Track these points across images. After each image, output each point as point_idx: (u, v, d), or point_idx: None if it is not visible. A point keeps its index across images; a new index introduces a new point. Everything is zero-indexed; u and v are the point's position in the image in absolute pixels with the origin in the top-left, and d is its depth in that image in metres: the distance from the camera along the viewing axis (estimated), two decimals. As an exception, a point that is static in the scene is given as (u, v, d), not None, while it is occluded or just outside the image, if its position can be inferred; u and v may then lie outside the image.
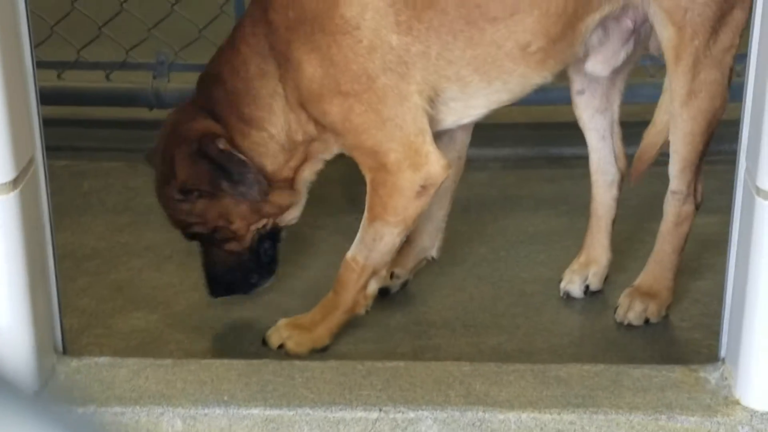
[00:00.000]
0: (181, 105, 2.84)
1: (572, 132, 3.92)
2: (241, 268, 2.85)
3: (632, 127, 3.08)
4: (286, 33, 2.57)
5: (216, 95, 2.71)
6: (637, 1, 2.70)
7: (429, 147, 2.59)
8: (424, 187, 2.60)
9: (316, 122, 2.65)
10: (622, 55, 2.84)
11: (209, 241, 2.84)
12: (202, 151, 2.65)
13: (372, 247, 2.70)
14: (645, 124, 3.02)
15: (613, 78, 2.94)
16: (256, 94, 2.66)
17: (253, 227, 2.81)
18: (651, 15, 2.71)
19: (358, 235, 2.72)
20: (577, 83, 2.96)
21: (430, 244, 3.06)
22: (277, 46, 2.60)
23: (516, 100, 2.74)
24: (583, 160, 3.77)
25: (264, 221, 2.82)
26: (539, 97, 3.93)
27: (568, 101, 3.93)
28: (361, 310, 2.79)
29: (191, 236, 2.87)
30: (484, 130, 4.01)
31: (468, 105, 2.66)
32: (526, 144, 3.93)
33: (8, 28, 2.26)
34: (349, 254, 2.76)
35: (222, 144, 2.65)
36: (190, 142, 2.67)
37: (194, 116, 2.71)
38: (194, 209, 2.77)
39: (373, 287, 2.77)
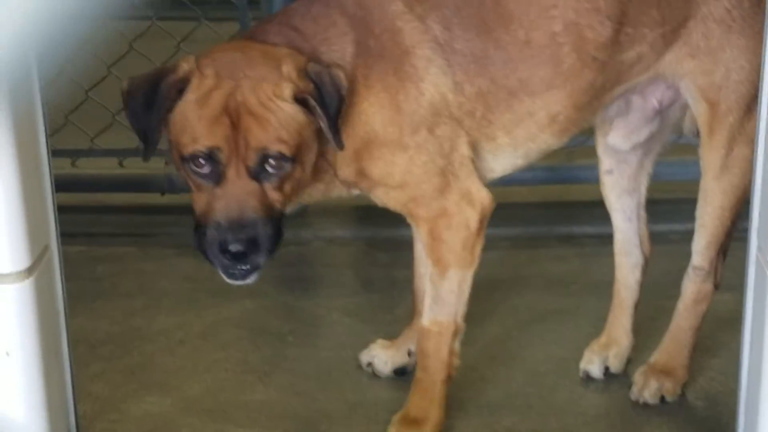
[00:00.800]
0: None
1: (582, 211, 3.95)
2: (272, 225, 2.43)
3: (656, 205, 3.08)
4: (366, 60, 2.57)
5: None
6: (668, 75, 2.74)
7: (477, 183, 2.65)
8: (482, 221, 2.66)
9: (363, 175, 2.61)
10: (645, 132, 2.88)
11: (259, 170, 2.40)
12: (317, 74, 2.45)
13: (452, 300, 2.70)
14: (658, 202, 3.04)
15: (641, 159, 2.97)
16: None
17: (303, 186, 2.55)
18: (684, 90, 2.76)
19: (430, 296, 2.71)
20: (606, 163, 2.99)
21: None
22: (357, 65, 2.56)
23: (529, 165, 2.79)
24: (593, 239, 3.80)
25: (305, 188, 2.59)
26: (549, 176, 3.99)
27: (577, 180, 3.98)
28: (455, 373, 2.77)
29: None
30: (495, 210, 4.03)
31: (490, 166, 2.72)
32: (536, 223, 3.94)
33: (24, 118, 2.29)
34: (426, 321, 2.72)
35: (339, 75, 2.47)
36: (300, 61, 2.45)
37: (292, 33, 2.55)
38: (293, 118, 2.40)
39: (458, 345, 2.75)
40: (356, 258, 3.78)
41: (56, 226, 2.45)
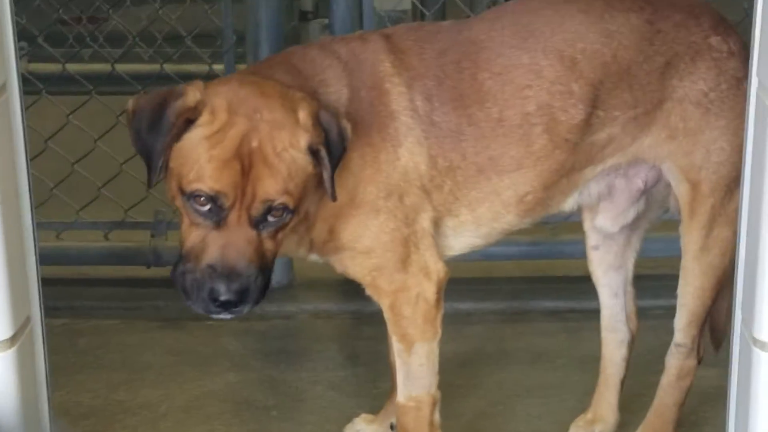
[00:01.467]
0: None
1: (567, 286, 3.96)
2: (263, 276, 2.39)
3: (640, 281, 3.09)
4: (357, 111, 2.58)
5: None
6: (649, 158, 2.76)
7: (435, 256, 2.65)
8: (438, 293, 2.65)
9: (334, 235, 2.60)
10: (631, 213, 2.89)
11: (261, 220, 2.36)
12: (328, 121, 2.43)
13: (423, 374, 2.69)
14: (641, 278, 3.04)
15: (628, 235, 2.99)
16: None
17: (297, 231, 2.56)
18: (665, 171, 2.77)
19: (401, 373, 2.70)
20: (592, 239, 3.00)
21: None
22: (348, 112, 2.57)
23: (488, 246, 2.79)
24: (578, 313, 3.80)
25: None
26: (533, 250, 4.00)
27: (562, 255, 3.99)
28: None
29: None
30: (480, 284, 4.04)
31: (449, 243, 2.72)
32: (521, 298, 3.94)
33: (10, 190, 2.30)
34: (402, 398, 2.71)
35: (345, 124, 2.46)
36: (314, 107, 2.42)
37: (306, 75, 2.56)
38: (303, 169, 2.37)
39: (437, 416, 2.73)
40: (341, 331, 3.78)
41: (40, 297, 2.44)
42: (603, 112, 2.67)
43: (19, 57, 2.32)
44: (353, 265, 2.63)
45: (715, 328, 2.96)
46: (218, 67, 4.49)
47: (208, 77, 4.45)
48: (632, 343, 3.06)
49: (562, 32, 2.66)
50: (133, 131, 2.39)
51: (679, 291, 2.84)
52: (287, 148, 2.34)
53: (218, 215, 2.34)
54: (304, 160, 2.37)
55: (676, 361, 2.91)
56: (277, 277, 4.06)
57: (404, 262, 2.60)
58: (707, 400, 3.23)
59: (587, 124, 2.66)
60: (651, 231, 3.05)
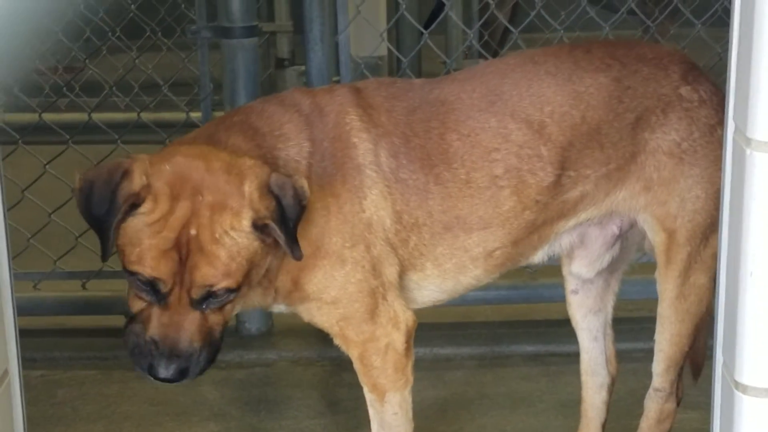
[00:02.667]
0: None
1: (547, 329, 3.96)
2: (207, 351, 2.40)
3: (619, 324, 3.09)
4: (321, 160, 2.57)
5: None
6: (623, 210, 2.76)
7: (402, 305, 2.64)
8: (408, 343, 2.64)
9: (298, 286, 2.59)
10: (607, 259, 2.89)
11: (201, 301, 2.36)
12: (280, 189, 2.39)
13: (397, 422, 2.67)
14: (620, 320, 3.04)
15: (607, 278, 2.99)
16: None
17: (261, 284, 2.55)
18: (641, 222, 2.77)
19: (374, 423, 2.68)
20: (571, 283, 3.00)
21: None
22: (311, 164, 2.57)
23: (450, 300, 2.78)
24: (559, 357, 3.79)
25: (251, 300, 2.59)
26: (513, 294, 4.00)
27: (541, 299, 3.99)
28: None
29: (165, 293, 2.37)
30: (459, 329, 4.03)
31: (413, 296, 2.71)
32: (501, 342, 3.94)
33: (-13, 240, 2.28)
34: None
35: (303, 186, 2.42)
36: (266, 174, 2.39)
37: (254, 140, 2.52)
38: (246, 248, 2.35)
39: None
40: (321, 378, 3.76)
41: (17, 349, 2.41)
42: (574, 172, 2.68)
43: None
44: (320, 315, 2.62)
45: (694, 358, 2.96)
46: (195, 115, 4.50)
47: (186, 125, 4.49)
48: (612, 386, 3.06)
49: (529, 96, 2.67)
50: (81, 207, 2.41)
51: (657, 337, 2.84)
52: (227, 231, 2.32)
53: (159, 296, 2.35)
54: (248, 239, 2.34)
55: (655, 405, 2.91)
56: (257, 324, 4.05)
57: (372, 312, 2.60)
58: (689, 443, 3.23)
59: (558, 185, 2.67)
60: (629, 274, 3.05)
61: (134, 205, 2.33)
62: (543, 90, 2.66)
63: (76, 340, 4.03)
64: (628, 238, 2.89)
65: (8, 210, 2.42)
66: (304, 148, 2.55)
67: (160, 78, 5.07)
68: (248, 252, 2.35)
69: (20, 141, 4.24)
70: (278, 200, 2.37)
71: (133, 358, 2.39)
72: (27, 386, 2.49)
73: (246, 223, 2.33)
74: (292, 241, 2.37)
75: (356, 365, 2.65)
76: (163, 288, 2.33)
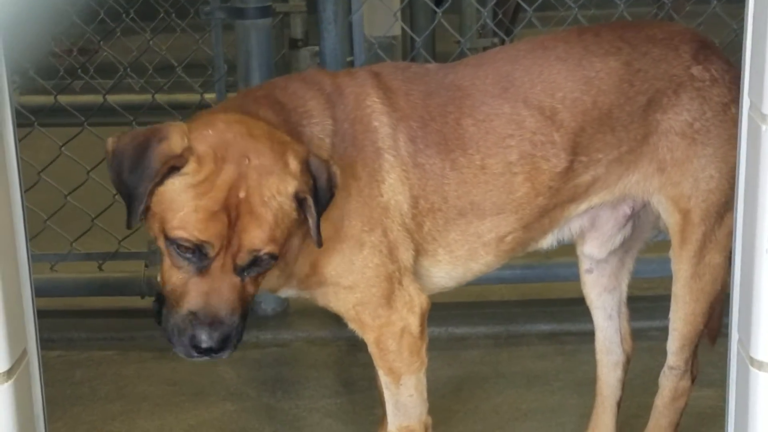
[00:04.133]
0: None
1: (563, 308, 3.96)
2: (243, 318, 2.37)
3: (635, 302, 3.09)
4: (342, 141, 2.57)
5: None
6: (636, 193, 2.76)
7: (417, 288, 2.64)
8: (422, 325, 2.64)
9: (316, 270, 2.59)
10: (618, 239, 2.89)
11: (245, 267, 2.34)
12: (316, 169, 2.39)
13: (413, 404, 2.68)
14: (636, 299, 3.04)
15: (622, 257, 2.99)
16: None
17: (278, 266, 2.50)
18: (655, 203, 2.77)
19: (389, 404, 2.69)
20: (585, 262, 3.00)
21: None
22: (333, 144, 2.57)
23: (457, 287, 2.79)
24: (574, 336, 3.80)
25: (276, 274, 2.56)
26: (528, 274, 4.01)
27: (556, 278, 4.00)
28: None
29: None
30: (475, 308, 4.03)
31: (421, 283, 2.70)
32: (517, 321, 3.94)
33: (4, 223, 2.30)
34: (392, 428, 2.70)
35: (335, 170, 2.43)
36: (303, 153, 2.39)
37: (296, 114, 2.52)
38: (289, 216, 2.34)
39: None
40: (337, 358, 3.77)
41: (36, 329, 2.43)
42: (586, 157, 2.68)
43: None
44: (336, 300, 2.62)
45: (711, 324, 2.95)
46: (209, 96, 4.51)
47: (200, 107, 4.49)
48: (627, 365, 3.06)
49: (541, 82, 2.67)
50: (113, 172, 2.34)
51: (671, 316, 2.84)
52: (275, 195, 2.31)
53: (202, 262, 2.30)
54: (290, 207, 2.33)
55: (669, 383, 2.91)
56: (272, 304, 4.06)
57: (388, 297, 2.60)
58: (704, 421, 3.23)
59: (570, 170, 2.67)
60: (645, 252, 3.05)
61: (174, 168, 2.27)
62: (554, 76, 2.67)
63: (93, 320, 4.05)
64: (640, 217, 2.89)
65: (25, 192, 2.43)
66: (327, 126, 2.55)
67: (174, 59, 5.07)
68: (290, 220, 2.34)
69: (36, 123, 4.25)
70: (314, 180, 2.36)
71: (172, 338, 2.35)
72: (45, 367, 2.50)
73: (291, 190, 2.32)
74: (319, 226, 2.37)
75: (371, 349, 2.66)
76: (211, 252, 2.27)
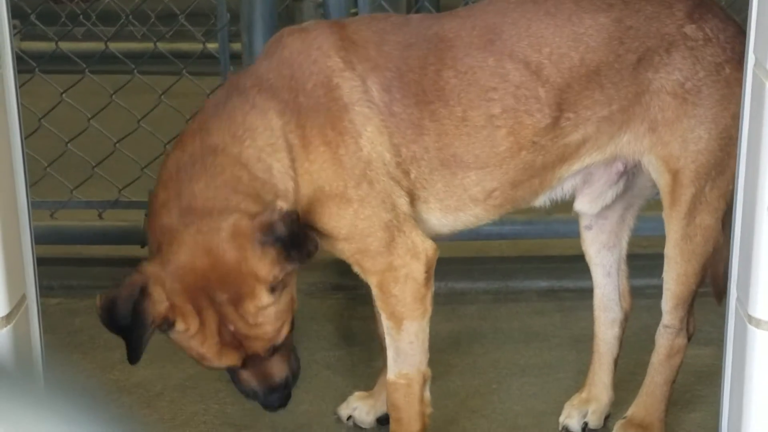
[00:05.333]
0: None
1: (562, 265, 3.96)
2: (292, 359, 2.66)
3: (633, 260, 3.09)
4: (299, 118, 2.57)
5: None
6: (628, 153, 2.75)
7: (421, 235, 2.66)
8: (428, 273, 2.66)
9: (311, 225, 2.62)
10: (610, 195, 2.88)
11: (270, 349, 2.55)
12: (269, 235, 2.42)
13: (413, 351, 2.70)
14: (635, 257, 3.04)
15: (622, 214, 2.98)
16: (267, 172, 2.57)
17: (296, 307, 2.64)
18: (646, 164, 2.76)
19: (390, 350, 2.71)
20: (585, 219, 2.99)
21: None
22: (290, 129, 2.57)
23: (451, 235, 2.80)
24: (573, 293, 3.80)
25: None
26: (528, 230, 4.00)
27: (556, 234, 4.00)
28: (429, 421, 2.77)
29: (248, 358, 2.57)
30: (474, 264, 4.03)
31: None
32: (516, 277, 3.95)
33: (4, 169, 2.29)
34: (391, 375, 2.73)
35: (282, 208, 2.45)
36: (249, 238, 2.41)
37: (219, 220, 2.45)
38: (279, 307, 2.48)
39: (427, 393, 2.76)
40: (336, 311, 3.78)
41: (35, 275, 2.44)
42: (573, 114, 2.67)
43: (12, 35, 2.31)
44: (335, 250, 2.65)
45: (716, 281, 2.95)
46: (212, 46, 4.49)
47: (202, 56, 4.48)
48: (625, 322, 3.06)
49: (528, 36, 2.65)
50: (107, 323, 2.52)
51: (664, 276, 2.84)
52: (257, 313, 2.45)
53: (236, 367, 2.55)
54: (274, 302, 2.46)
55: (665, 341, 2.92)
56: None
57: (388, 245, 2.61)
58: (702, 379, 3.24)
59: (556, 127, 2.66)
60: (645, 210, 3.05)
61: (168, 323, 2.46)
62: (542, 31, 2.65)
63: (93, 269, 4.06)
64: (635, 174, 2.87)
65: (25, 138, 2.43)
66: (275, 127, 2.54)
67: (176, 8, 5.05)
68: (283, 305, 2.49)
69: (37, 69, 4.23)
70: (275, 240, 2.41)
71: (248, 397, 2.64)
72: (44, 314, 2.51)
73: (265, 297, 2.44)
74: (303, 243, 2.44)
75: (375, 292, 2.67)
76: (237, 365, 2.53)
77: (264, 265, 2.41)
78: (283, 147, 2.54)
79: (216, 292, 2.42)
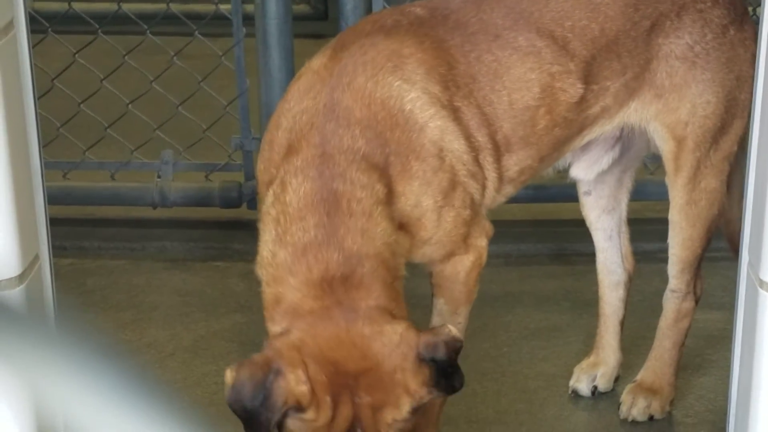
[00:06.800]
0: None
1: (573, 229, 3.95)
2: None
3: (634, 225, 3.09)
4: (385, 160, 2.48)
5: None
6: (634, 121, 2.75)
7: (486, 222, 2.66)
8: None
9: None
10: (606, 160, 2.88)
11: None
12: (430, 354, 2.32)
13: (458, 330, 2.68)
14: (647, 221, 3.04)
15: (620, 177, 2.98)
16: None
17: None
18: (651, 131, 2.75)
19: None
20: (583, 184, 2.99)
21: None
22: (378, 176, 2.47)
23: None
24: (584, 256, 3.80)
25: None
26: (540, 194, 4.00)
27: (568, 198, 3.99)
28: None
29: None
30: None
31: None
32: (527, 241, 3.95)
33: (18, 129, 2.30)
34: None
35: (450, 332, 2.36)
36: (412, 350, 2.31)
37: (374, 316, 2.34)
38: (408, 422, 2.36)
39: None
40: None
41: (48, 235, 2.45)
42: (596, 85, 2.67)
43: (26, -6, 2.31)
44: (423, 256, 2.58)
45: (732, 237, 2.94)
46: (225, 7, 4.46)
47: (215, 17, 4.47)
48: (629, 284, 3.07)
49: (549, 11, 2.64)
50: (234, 404, 2.30)
51: (669, 242, 2.85)
52: (390, 424, 2.31)
53: None
54: (408, 419, 2.32)
55: (672, 305, 2.92)
56: (284, 218, 4.06)
57: (466, 237, 2.61)
58: (712, 343, 3.24)
59: (583, 101, 2.66)
60: (657, 174, 3.04)
61: (298, 408, 2.28)
62: (560, 5, 2.64)
63: (105, 230, 4.07)
64: (630, 138, 2.87)
65: (38, 99, 2.43)
66: (381, 193, 2.44)
67: (189, -31, 5.02)
68: (409, 423, 2.34)
69: (50, 29, 4.23)
70: (432, 361, 2.31)
71: None
72: (57, 274, 2.52)
73: (406, 410, 2.30)
74: (453, 375, 2.34)
75: (441, 281, 2.66)
76: None
77: (417, 381, 2.31)
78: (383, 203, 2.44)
79: (363, 390, 2.30)
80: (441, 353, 2.32)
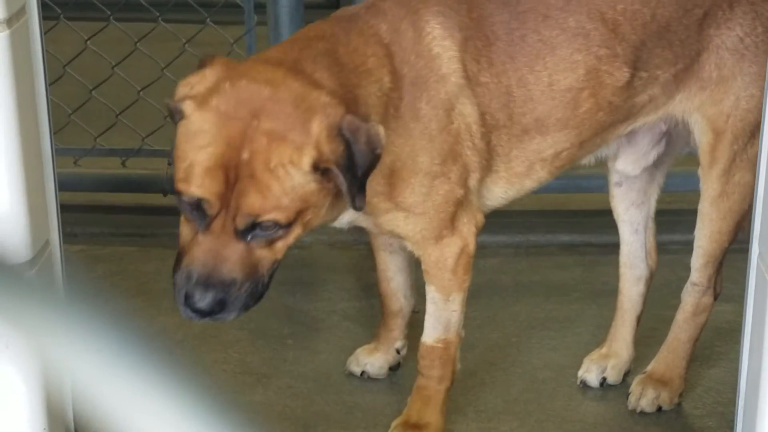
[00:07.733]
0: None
1: (584, 219, 3.96)
2: (250, 286, 2.28)
3: (657, 216, 3.08)
4: (400, 90, 2.49)
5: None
6: (677, 113, 2.74)
7: (478, 210, 2.67)
8: (475, 243, 2.67)
9: (389, 199, 2.55)
10: (652, 155, 2.88)
11: (247, 231, 2.23)
12: (352, 136, 2.24)
13: (455, 319, 2.72)
14: (658, 212, 3.03)
15: (652, 172, 2.96)
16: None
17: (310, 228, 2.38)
18: (692, 123, 2.74)
19: (431, 317, 2.72)
20: (615, 175, 2.98)
21: (407, 302, 3.05)
22: (392, 93, 2.48)
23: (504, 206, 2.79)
24: (595, 247, 3.80)
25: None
26: (551, 184, 3.98)
27: (579, 189, 3.99)
28: (455, 377, 2.80)
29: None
30: (496, 217, 4.02)
31: (480, 201, 2.70)
32: (537, 231, 3.95)
33: (29, 115, 2.30)
34: (429, 340, 2.73)
35: (376, 130, 2.28)
36: (335, 116, 2.23)
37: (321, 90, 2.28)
38: (302, 187, 2.20)
39: (458, 351, 2.79)
40: (357, 262, 3.79)
41: (58, 221, 2.45)
42: (645, 72, 2.65)
43: (38, -20, 2.31)
44: (405, 226, 2.58)
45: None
46: (237, -5, 4.45)
47: (227, 5, 4.47)
48: (650, 280, 3.06)
49: None
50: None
51: (696, 234, 2.83)
52: (284, 165, 2.17)
53: (203, 220, 2.21)
54: (304, 178, 2.19)
55: (692, 299, 2.91)
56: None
57: (453, 220, 2.61)
58: (722, 335, 3.24)
59: (630, 87, 2.65)
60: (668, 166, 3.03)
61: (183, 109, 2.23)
62: None
63: (116, 216, 4.07)
64: (673, 133, 2.86)
65: (50, 85, 2.44)
66: (385, 84, 2.46)
67: (202, -44, 5.02)
68: (303, 191, 2.20)
69: (62, 16, 4.23)
70: (348, 144, 2.23)
71: (174, 293, 2.28)
72: (67, 261, 2.53)
73: (306, 160, 2.18)
74: (358, 189, 2.25)
75: (428, 268, 2.67)
76: (209, 210, 2.19)
77: (330, 143, 2.20)
78: (380, 112, 2.44)
79: (264, 115, 2.19)
80: (361, 142, 2.24)
